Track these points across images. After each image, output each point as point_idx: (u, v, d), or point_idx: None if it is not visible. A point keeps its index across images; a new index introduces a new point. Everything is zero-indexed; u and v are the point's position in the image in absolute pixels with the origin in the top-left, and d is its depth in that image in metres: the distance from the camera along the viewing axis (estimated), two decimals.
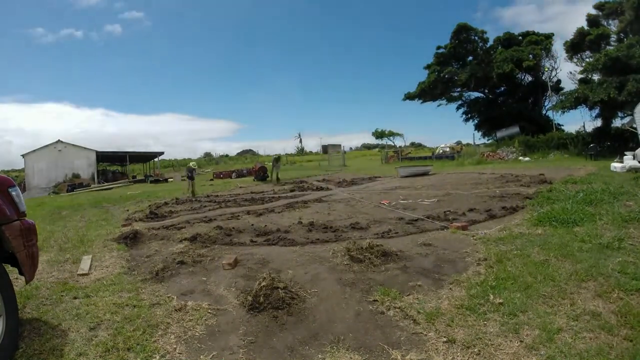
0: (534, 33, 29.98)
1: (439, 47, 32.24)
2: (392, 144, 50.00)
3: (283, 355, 2.41)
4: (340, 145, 40.49)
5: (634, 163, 10.88)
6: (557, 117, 28.61)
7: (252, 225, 6.52)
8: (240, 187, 16.35)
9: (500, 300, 2.85)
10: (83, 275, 4.18)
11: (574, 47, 25.35)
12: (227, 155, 62.33)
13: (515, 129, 27.76)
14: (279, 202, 9.83)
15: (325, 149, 39.71)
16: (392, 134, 49.97)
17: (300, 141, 69.38)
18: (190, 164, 15.62)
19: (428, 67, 32.99)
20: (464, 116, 35.21)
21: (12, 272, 2.76)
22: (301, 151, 66.64)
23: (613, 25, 24.98)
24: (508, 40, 30.13)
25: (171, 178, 30.76)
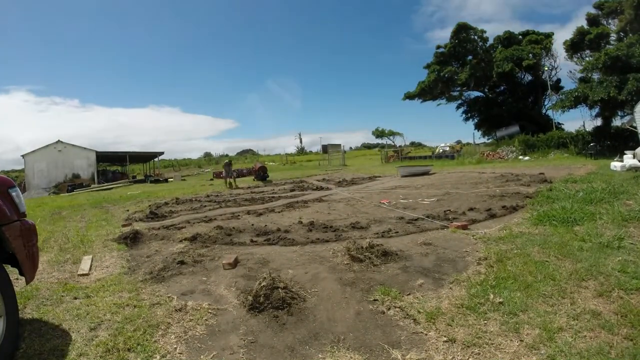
0: (533, 32, 30.06)
1: (438, 47, 32.35)
2: (392, 144, 49.84)
3: (283, 355, 2.41)
4: (340, 144, 40.36)
5: (634, 162, 10.87)
6: (557, 116, 28.72)
7: (252, 224, 6.52)
8: (241, 186, 16.35)
9: (501, 300, 2.85)
10: (83, 275, 4.18)
11: (574, 46, 25.38)
12: (227, 155, 62.32)
13: (515, 128, 27.81)
14: (279, 202, 9.83)
15: (325, 148, 39.55)
16: (392, 134, 49.74)
17: (301, 141, 69.36)
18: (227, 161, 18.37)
19: (428, 66, 33.05)
20: (463, 115, 35.34)
21: (13, 272, 2.76)
22: (301, 151, 66.61)
23: (613, 25, 25.02)
24: (508, 40, 30.19)
25: (171, 178, 30.74)
